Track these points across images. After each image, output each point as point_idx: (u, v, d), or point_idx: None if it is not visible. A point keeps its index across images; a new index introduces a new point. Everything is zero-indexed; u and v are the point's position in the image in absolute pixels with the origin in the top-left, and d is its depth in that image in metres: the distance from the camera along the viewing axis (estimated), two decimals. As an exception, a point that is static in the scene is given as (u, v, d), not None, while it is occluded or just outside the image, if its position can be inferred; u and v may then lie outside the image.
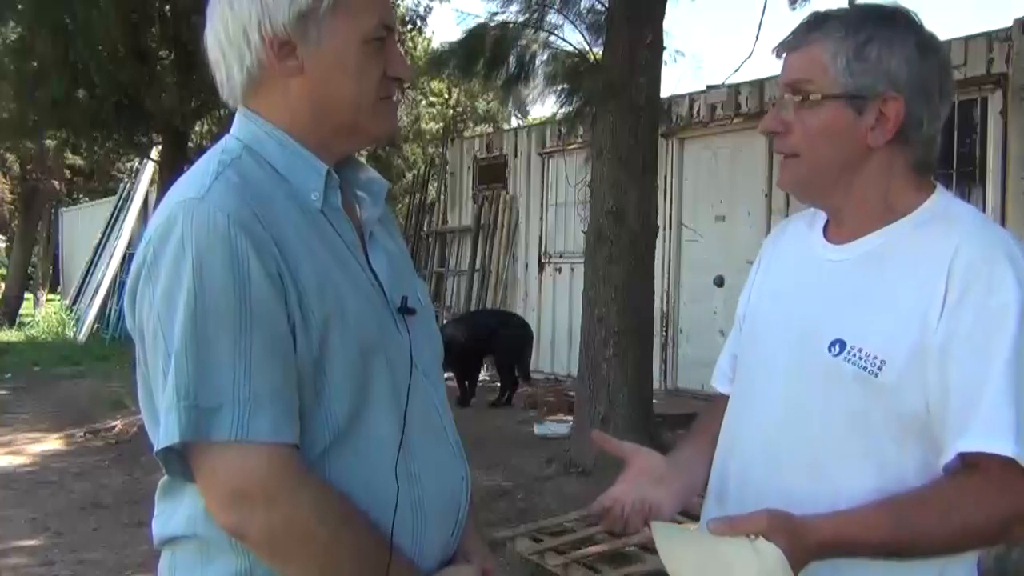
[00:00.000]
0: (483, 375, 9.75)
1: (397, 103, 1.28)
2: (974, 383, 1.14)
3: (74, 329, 14.64)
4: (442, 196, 12.08)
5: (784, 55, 1.31)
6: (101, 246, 15.80)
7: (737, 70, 8.89)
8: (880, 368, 1.19)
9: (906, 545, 1.16)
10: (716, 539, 1.17)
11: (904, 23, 1.27)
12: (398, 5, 12.38)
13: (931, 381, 1.17)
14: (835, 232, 1.34)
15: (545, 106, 10.83)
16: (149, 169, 13.91)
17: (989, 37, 6.47)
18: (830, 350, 1.23)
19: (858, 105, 1.24)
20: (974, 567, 1.28)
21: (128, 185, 15.88)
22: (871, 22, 1.26)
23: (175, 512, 1.16)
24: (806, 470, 1.26)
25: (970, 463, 1.15)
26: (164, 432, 1.06)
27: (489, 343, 8.12)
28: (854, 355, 1.21)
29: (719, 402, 1.53)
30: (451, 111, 22.47)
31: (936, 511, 1.16)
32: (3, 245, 25.28)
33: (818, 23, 1.28)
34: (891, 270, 1.24)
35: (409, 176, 18.59)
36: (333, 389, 1.12)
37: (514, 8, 6.54)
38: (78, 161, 19.31)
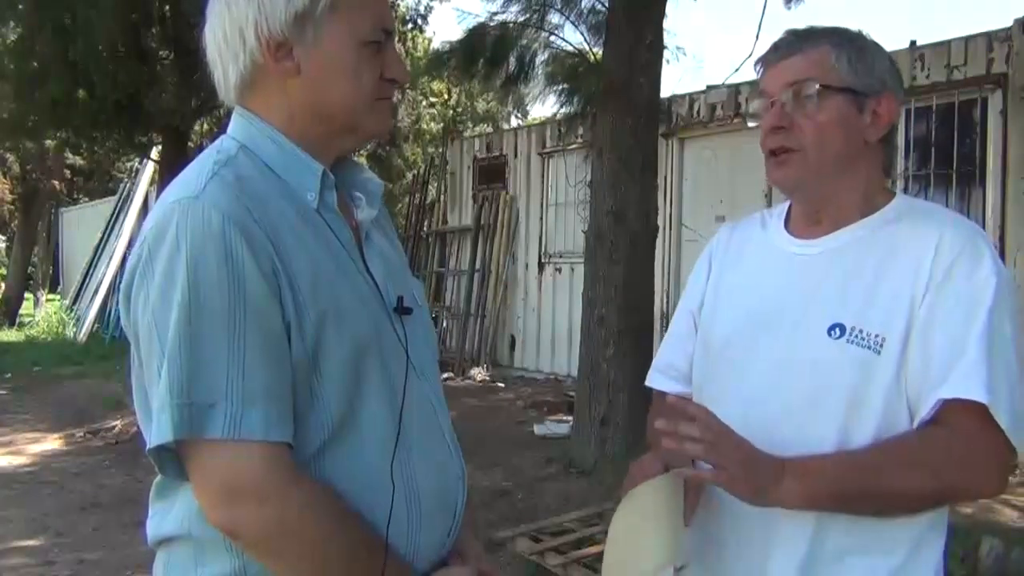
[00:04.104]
0: (483, 375, 9.77)
1: (395, 104, 1.28)
2: (955, 347, 1.25)
3: (74, 329, 14.64)
4: (442, 196, 12.08)
5: (778, 62, 1.39)
6: (101, 246, 15.80)
7: (737, 70, 8.92)
8: (881, 345, 1.29)
9: (871, 483, 1.25)
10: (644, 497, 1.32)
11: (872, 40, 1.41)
12: (398, 5, 12.37)
13: (913, 349, 1.28)
14: (805, 228, 1.44)
15: (545, 106, 10.84)
16: (149, 169, 13.92)
17: (989, 37, 6.47)
18: (830, 334, 1.31)
19: (860, 102, 1.35)
20: (940, 566, 1.34)
21: (128, 185, 15.88)
22: (857, 34, 1.40)
23: (169, 512, 1.17)
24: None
25: (937, 420, 1.25)
26: (157, 430, 1.06)
27: None
28: (856, 336, 1.30)
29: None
30: (451, 111, 22.48)
31: (903, 453, 1.26)
32: (3, 245, 25.28)
33: (811, 33, 1.39)
34: (875, 257, 1.34)
35: (409, 176, 18.58)
36: (328, 388, 1.12)
37: (514, 8, 6.56)
38: (78, 161, 19.31)
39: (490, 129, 19.01)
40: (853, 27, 1.42)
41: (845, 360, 1.30)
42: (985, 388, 1.22)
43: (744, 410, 1.34)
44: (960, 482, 1.27)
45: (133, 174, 16.12)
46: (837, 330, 1.31)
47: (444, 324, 10.87)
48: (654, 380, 1.61)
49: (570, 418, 6.67)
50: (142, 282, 1.09)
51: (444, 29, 45.84)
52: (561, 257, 9.90)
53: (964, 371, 1.24)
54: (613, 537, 1.35)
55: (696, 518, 1.46)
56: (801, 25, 1.44)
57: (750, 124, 1.46)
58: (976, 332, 1.25)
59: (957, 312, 1.27)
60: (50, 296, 20.54)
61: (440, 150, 15.30)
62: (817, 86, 1.34)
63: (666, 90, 6.39)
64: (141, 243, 1.11)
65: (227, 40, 1.18)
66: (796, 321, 1.36)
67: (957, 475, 1.26)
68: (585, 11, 6.48)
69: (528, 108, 18.16)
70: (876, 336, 1.29)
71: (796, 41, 1.39)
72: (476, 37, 6.66)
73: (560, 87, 6.58)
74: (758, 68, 1.43)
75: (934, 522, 1.34)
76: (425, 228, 11.99)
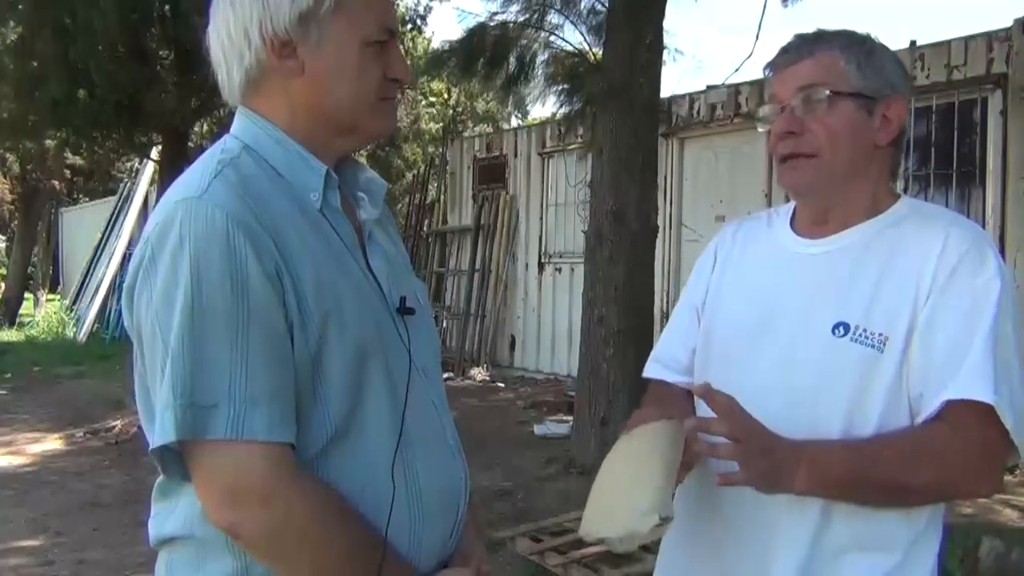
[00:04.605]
0: (483, 375, 9.77)
1: (396, 103, 1.28)
2: (960, 346, 1.26)
3: (74, 329, 14.63)
4: (442, 196, 12.08)
5: (787, 66, 1.39)
6: (101, 246, 15.80)
7: (737, 70, 8.94)
8: (884, 344, 1.30)
9: (874, 472, 1.25)
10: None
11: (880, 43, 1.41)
12: (398, 5, 12.38)
13: (915, 348, 1.29)
14: (811, 228, 1.44)
15: (545, 106, 10.83)
16: (149, 169, 13.91)
17: (989, 37, 6.47)
18: (834, 332, 1.32)
19: (869, 106, 1.36)
20: (935, 566, 1.35)
21: (128, 185, 15.88)
22: (866, 37, 1.40)
23: (171, 513, 1.16)
24: None
25: (941, 418, 1.26)
26: (160, 430, 1.06)
27: None
28: (860, 334, 1.31)
29: (672, 388, 1.55)
30: (451, 111, 22.47)
31: (906, 443, 1.27)
32: (3, 245, 25.27)
33: (819, 37, 1.39)
34: (879, 258, 1.35)
35: (409, 176, 18.58)
36: (331, 389, 1.12)
37: (514, 8, 6.56)
38: (78, 161, 19.29)
39: (490, 129, 19.00)
40: (861, 30, 1.42)
41: (849, 358, 1.31)
42: (991, 389, 1.23)
43: (747, 407, 1.34)
44: (961, 479, 1.28)
45: (133, 174, 16.12)
46: (841, 328, 1.32)
47: (444, 324, 10.87)
48: (653, 370, 1.61)
49: (570, 418, 6.67)
50: (145, 282, 1.09)
51: (444, 29, 45.86)
52: (561, 257, 9.91)
53: (969, 372, 1.25)
54: (603, 476, 1.33)
55: (694, 515, 1.46)
56: (809, 29, 1.44)
57: (759, 129, 1.46)
58: (981, 334, 1.26)
59: (960, 313, 1.27)
60: (50, 296, 20.53)
61: (440, 150, 15.29)
62: (827, 92, 1.34)
63: (666, 90, 6.40)
64: (144, 242, 1.11)
65: (232, 39, 1.18)
66: (799, 319, 1.37)
67: (959, 472, 1.27)
68: (585, 11, 6.49)
69: (528, 108, 18.16)
70: (880, 335, 1.30)
71: (805, 45, 1.39)
72: (476, 37, 6.66)
73: (560, 87, 6.58)
74: (767, 72, 1.44)
75: (931, 522, 1.35)
76: (425, 228, 12.00)
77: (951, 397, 1.25)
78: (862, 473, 1.26)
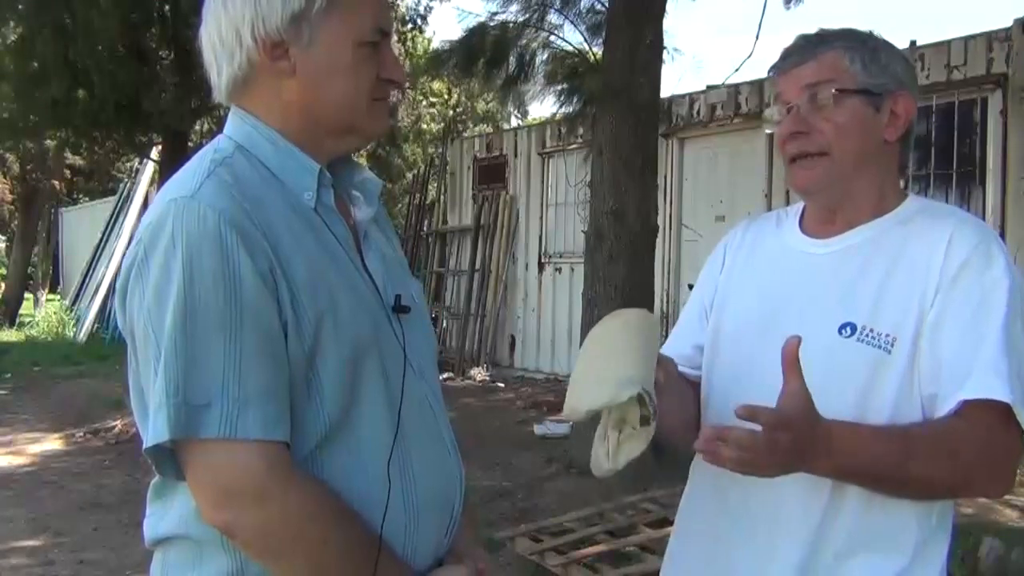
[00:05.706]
0: (483, 375, 9.77)
1: (393, 104, 1.28)
2: (971, 344, 1.25)
3: (74, 329, 14.64)
4: (442, 196, 12.08)
5: (791, 68, 1.39)
6: (101, 246, 15.80)
7: (737, 70, 8.90)
8: (892, 345, 1.28)
9: (901, 466, 1.23)
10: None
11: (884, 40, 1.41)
12: (398, 5, 12.37)
13: (924, 348, 1.28)
14: (819, 227, 1.44)
15: (545, 106, 10.82)
16: (149, 169, 13.91)
17: (989, 37, 6.47)
18: (841, 333, 1.31)
19: (876, 102, 1.36)
20: (944, 567, 1.33)
21: (128, 185, 15.89)
22: (869, 35, 1.39)
23: (167, 512, 1.16)
24: None
25: (960, 414, 1.24)
26: (153, 430, 1.05)
27: None
28: (867, 335, 1.30)
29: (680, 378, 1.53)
30: (451, 111, 22.47)
31: (934, 439, 1.25)
32: (3, 245, 25.27)
33: (822, 37, 1.39)
34: (886, 257, 1.34)
35: (409, 176, 18.56)
36: (325, 387, 1.12)
37: (514, 8, 6.56)
38: (78, 161, 19.30)
39: (490, 129, 19.00)
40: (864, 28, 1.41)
41: (856, 359, 1.29)
42: (1008, 388, 1.22)
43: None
44: (976, 477, 1.27)
45: (133, 174, 16.13)
46: (848, 329, 1.31)
47: (444, 324, 10.87)
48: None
49: (570, 418, 6.66)
50: (138, 281, 1.09)
51: (444, 29, 45.84)
52: (561, 257, 9.91)
53: (984, 371, 1.23)
54: (583, 357, 1.33)
55: (696, 512, 1.46)
56: (809, 29, 1.43)
57: (767, 131, 1.46)
58: (993, 331, 1.24)
59: (969, 311, 1.26)
60: (50, 296, 20.53)
61: (440, 150, 15.28)
62: (833, 89, 1.34)
63: (666, 90, 6.39)
64: (136, 242, 1.11)
65: (223, 40, 1.18)
66: (806, 319, 1.35)
67: (976, 470, 1.25)
68: (585, 11, 6.49)
69: (528, 108, 18.16)
70: (887, 336, 1.29)
71: (808, 46, 1.38)
72: (476, 37, 6.66)
73: (560, 87, 6.58)
74: (771, 75, 1.43)
75: (940, 522, 1.34)
76: (425, 228, 12.00)
77: (968, 397, 1.23)
78: (887, 465, 1.23)
